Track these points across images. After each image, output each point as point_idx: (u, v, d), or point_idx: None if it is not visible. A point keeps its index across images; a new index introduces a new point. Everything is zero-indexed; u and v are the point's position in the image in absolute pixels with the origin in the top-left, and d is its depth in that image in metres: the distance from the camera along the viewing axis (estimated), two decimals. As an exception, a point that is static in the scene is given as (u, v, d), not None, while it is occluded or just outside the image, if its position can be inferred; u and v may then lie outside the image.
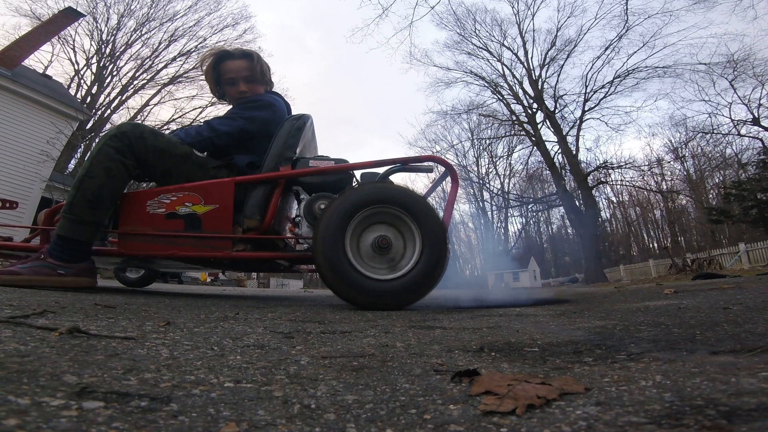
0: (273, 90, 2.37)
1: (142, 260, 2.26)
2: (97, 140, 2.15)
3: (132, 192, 1.94)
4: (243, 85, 2.17)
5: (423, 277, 1.66)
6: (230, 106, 2.22)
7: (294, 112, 2.34)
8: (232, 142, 2.08)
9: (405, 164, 2.05)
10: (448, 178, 2.11)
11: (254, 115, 2.08)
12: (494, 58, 22.68)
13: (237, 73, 2.15)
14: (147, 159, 1.85)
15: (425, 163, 2.10)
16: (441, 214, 1.88)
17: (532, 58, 22.10)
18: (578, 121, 20.80)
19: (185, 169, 1.92)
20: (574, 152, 20.32)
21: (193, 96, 21.67)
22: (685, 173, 27.87)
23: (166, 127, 22.03)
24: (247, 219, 1.89)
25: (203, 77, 2.28)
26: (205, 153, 2.04)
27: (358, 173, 2.11)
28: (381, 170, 2.05)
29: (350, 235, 1.69)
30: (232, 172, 2.03)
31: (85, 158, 2.12)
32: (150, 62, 21.62)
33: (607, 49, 19.80)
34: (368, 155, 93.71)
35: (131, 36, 20.93)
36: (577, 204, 20.10)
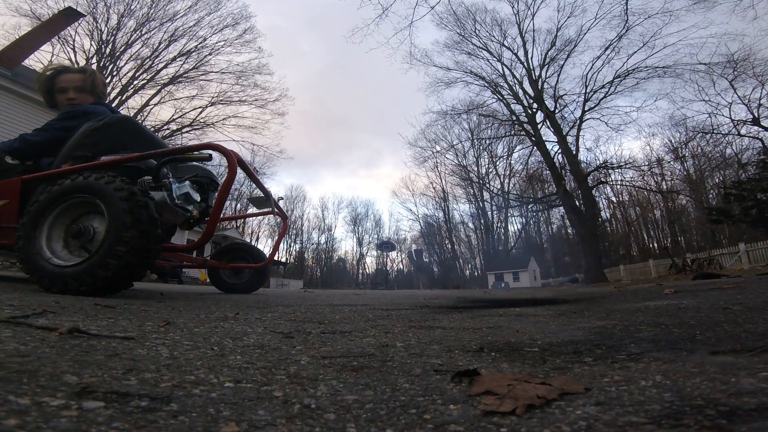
0: (102, 102, 2.59)
1: None
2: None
3: None
4: (72, 92, 2.47)
5: (111, 258, 1.59)
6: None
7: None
8: (45, 150, 2.31)
9: (181, 153, 2.10)
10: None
11: (66, 125, 2.31)
12: (494, 58, 22.73)
13: (70, 83, 2.47)
14: None
15: (204, 152, 2.08)
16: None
17: (532, 58, 22.15)
18: (578, 121, 20.83)
19: None
20: (574, 152, 20.33)
21: (193, 96, 21.70)
22: (685, 173, 27.91)
23: (166, 128, 22.06)
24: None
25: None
26: (21, 160, 2.30)
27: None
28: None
29: (47, 227, 1.82)
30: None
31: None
32: (150, 62, 21.65)
33: (607, 49, 19.83)
34: (366, 155, 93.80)
35: (131, 36, 20.97)
36: (577, 204, 20.09)
